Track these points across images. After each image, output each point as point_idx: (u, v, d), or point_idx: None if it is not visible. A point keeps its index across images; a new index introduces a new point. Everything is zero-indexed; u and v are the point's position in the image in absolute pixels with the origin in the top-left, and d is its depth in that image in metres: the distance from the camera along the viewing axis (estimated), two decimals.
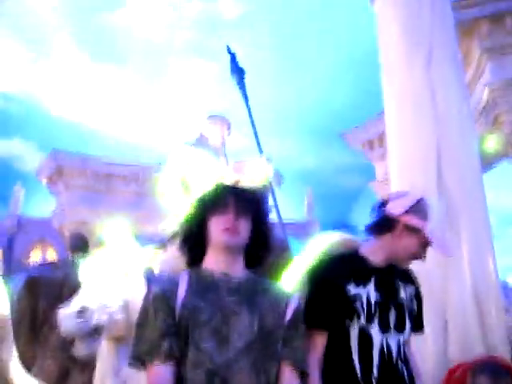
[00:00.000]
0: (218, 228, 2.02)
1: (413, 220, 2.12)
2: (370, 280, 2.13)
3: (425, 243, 2.12)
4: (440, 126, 4.28)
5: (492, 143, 9.49)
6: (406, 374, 2.13)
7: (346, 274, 2.13)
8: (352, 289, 2.10)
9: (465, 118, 4.43)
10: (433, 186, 4.00)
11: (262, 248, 2.13)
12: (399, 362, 2.11)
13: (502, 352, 3.48)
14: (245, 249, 2.08)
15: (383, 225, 2.19)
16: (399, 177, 4.40)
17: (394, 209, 2.18)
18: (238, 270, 2.05)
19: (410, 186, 4.18)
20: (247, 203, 2.08)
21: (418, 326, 2.27)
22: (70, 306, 3.13)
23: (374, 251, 2.21)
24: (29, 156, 26.83)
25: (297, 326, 1.98)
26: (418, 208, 2.14)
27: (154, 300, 1.93)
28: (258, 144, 7.56)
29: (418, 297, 2.27)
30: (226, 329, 1.88)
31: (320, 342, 2.11)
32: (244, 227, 2.04)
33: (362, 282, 2.12)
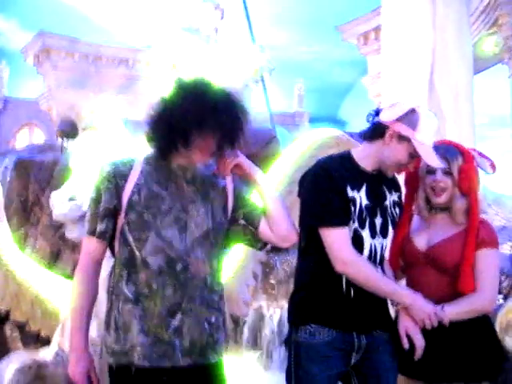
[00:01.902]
0: None
1: (401, 128, 2.14)
2: (362, 185, 2.18)
3: (412, 153, 2.15)
4: (437, 25, 4.19)
5: (489, 45, 9.31)
6: (380, 270, 2.25)
7: (345, 175, 2.17)
8: (350, 191, 2.15)
9: (463, 19, 4.32)
10: (424, 85, 3.99)
11: (230, 143, 2.05)
12: (379, 265, 2.22)
13: None
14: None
15: (374, 131, 2.21)
16: (392, 73, 4.36)
17: (386, 116, 2.19)
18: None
19: (402, 83, 4.17)
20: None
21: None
22: (62, 191, 3.17)
23: (365, 157, 2.24)
24: (12, 34, 25.73)
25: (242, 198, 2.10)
26: (409, 117, 2.14)
27: (102, 180, 1.97)
28: (251, 32, 7.36)
29: (399, 204, 2.33)
30: (185, 217, 1.95)
31: (343, 235, 2.13)
32: None
33: (356, 186, 2.17)
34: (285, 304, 4.22)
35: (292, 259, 4.58)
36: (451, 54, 4.12)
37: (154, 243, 1.90)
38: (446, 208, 2.40)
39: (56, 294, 3.80)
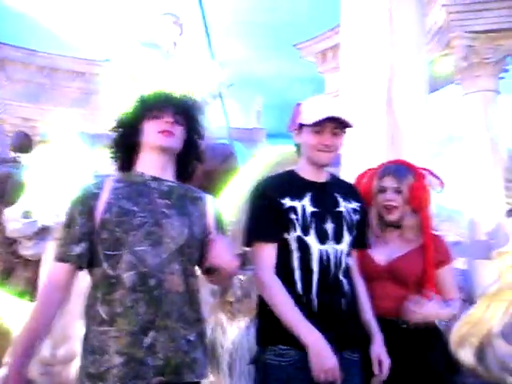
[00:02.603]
0: (153, 130, 2.02)
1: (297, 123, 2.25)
2: (305, 194, 2.22)
3: (315, 130, 2.20)
4: (394, 43, 4.28)
5: (443, 66, 9.57)
6: (346, 287, 2.23)
7: (282, 189, 2.21)
8: (288, 202, 2.17)
9: (419, 41, 4.44)
10: (382, 102, 4.08)
11: (194, 159, 2.16)
12: (339, 274, 2.20)
13: None
14: (176, 159, 2.10)
15: (296, 145, 2.34)
16: (350, 90, 4.43)
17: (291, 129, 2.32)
18: (169, 175, 2.07)
19: (360, 100, 4.24)
20: (184, 110, 2.08)
21: (360, 243, 2.36)
22: (15, 207, 3.08)
23: (302, 168, 2.31)
24: None
25: (218, 229, 2.10)
26: (294, 113, 2.28)
27: (75, 203, 1.96)
28: (210, 48, 7.36)
29: (362, 213, 2.33)
30: (159, 231, 1.93)
31: (268, 253, 2.17)
32: (179, 132, 2.05)
33: (297, 196, 2.21)
34: (242, 322, 4.19)
35: (250, 276, 4.56)
36: (408, 71, 4.22)
37: (127, 260, 1.87)
38: (399, 225, 2.49)
39: (7, 313, 3.67)
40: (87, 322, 1.93)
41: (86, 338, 1.92)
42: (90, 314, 1.92)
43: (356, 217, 2.29)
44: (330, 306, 2.14)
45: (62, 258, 1.94)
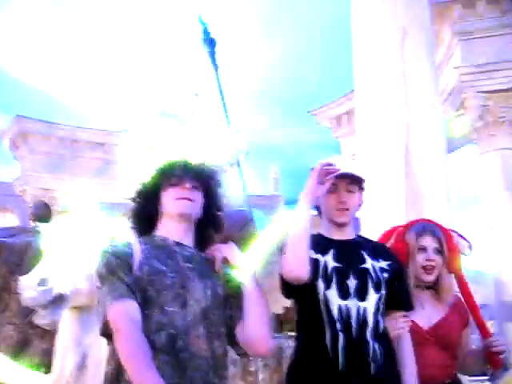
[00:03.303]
0: (172, 198, 2.03)
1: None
2: (329, 250, 2.21)
3: (329, 189, 2.19)
4: (410, 106, 4.31)
5: (458, 126, 9.62)
6: (376, 350, 2.12)
7: (311, 245, 2.18)
8: (312, 255, 2.15)
9: (434, 101, 4.47)
10: (400, 166, 4.05)
11: (212, 227, 2.16)
12: (367, 334, 2.11)
13: None
14: (196, 226, 2.09)
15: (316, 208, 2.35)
16: (367, 153, 4.44)
17: None
18: (189, 241, 2.07)
19: (378, 163, 4.23)
20: (202, 177, 2.10)
21: (399, 304, 2.27)
22: (31, 275, 3.07)
23: (324, 226, 2.30)
24: None
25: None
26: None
27: (114, 255, 1.90)
28: (227, 116, 7.48)
29: (395, 272, 2.26)
30: (185, 293, 1.90)
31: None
32: (198, 198, 2.06)
33: (320, 250, 2.21)
34: None
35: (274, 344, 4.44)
36: (425, 131, 4.21)
37: (157, 320, 1.82)
38: (431, 286, 2.44)
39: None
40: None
41: None
42: (117, 377, 1.82)
43: (385, 275, 2.23)
44: (356, 368, 2.07)
45: (123, 294, 1.82)
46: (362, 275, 2.19)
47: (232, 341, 2.01)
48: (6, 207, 21.24)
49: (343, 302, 2.13)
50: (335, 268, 2.17)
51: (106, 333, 1.86)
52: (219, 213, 2.16)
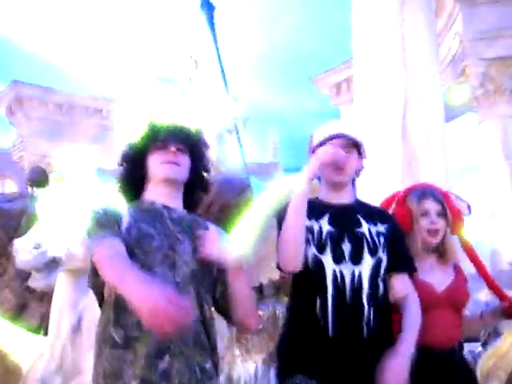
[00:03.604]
0: (158, 162, 2.02)
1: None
2: (324, 215, 2.20)
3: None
4: (408, 72, 4.28)
5: (458, 95, 9.55)
6: (371, 314, 2.10)
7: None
8: (306, 222, 2.16)
9: (433, 66, 4.43)
10: (397, 132, 4.04)
11: (199, 189, 2.16)
12: (363, 299, 2.10)
13: None
14: (184, 189, 2.09)
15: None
16: (365, 120, 4.42)
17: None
18: (177, 204, 2.07)
19: (375, 130, 4.22)
20: (188, 140, 2.09)
21: (397, 266, 2.23)
22: (26, 238, 3.09)
23: (322, 190, 2.29)
24: None
25: None
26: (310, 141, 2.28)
27: (103, 214, 1.91)
28: (225, 83, 7.42)
29: (393, 236, 2.25)
30: (174, 255, 1.92)
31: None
32: (184, 161, 2.06)
33: (314, 217, 2.19)
34: (259, 357, 4.10)
35: (267, 308, 4.49)
36: (422, 99, 4.19)
37: None
38: (435, 249, 2.45)
39: (18, 349, 3.64)
40: (99, 346, 1.88)
41: (97, 362, 1.87)
42: (103, 337, 1.87)
43: (382, 239, 2.22)
44: (348, 333, 2.06)
45: (107, 236, 1.83)
46: (357, 239, 2.17)
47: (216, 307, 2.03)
48: (5, 174, 21.25)
49: (338, 267, 2.13)
50: (330, 232, 2.17)
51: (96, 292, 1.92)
52: (207, 175, 2.15)
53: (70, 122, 15.53)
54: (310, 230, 2.15)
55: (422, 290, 2.30)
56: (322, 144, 2.22)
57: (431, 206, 2.46)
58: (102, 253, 1.81)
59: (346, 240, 2.17)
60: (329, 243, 2.15)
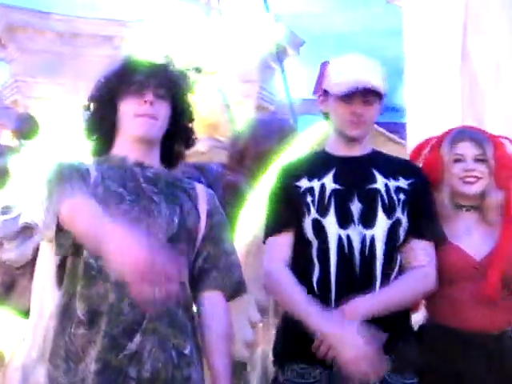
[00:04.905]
0: (131, 114, 2.09)
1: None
2: (328, 171, 2.26)
3: (343, 98, 2.26)
4: None
5: None
6: (380, 280, 2.19)
7: (300, 171, 2.28)
8: (304, 184, 2.21)
9: None
10: (456, 53, 3.98)
11: (182, 141, 2.25)
12: (375, 269, 2.17)
13: None
14: (161, 140, 2.18)
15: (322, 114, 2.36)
16: (418, 50, 4.38)
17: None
18: (153, 161, 2.15)
19: (434, 52, 4.16)
20: (168, 83, 2.15)
21: (419, 230, 2.27)
22: None
23: (331, 141, 2.32)
24: None
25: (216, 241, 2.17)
26: (319, 76, 2.36)
27: (68, 168, 2.02)
28: None
29: (416, 193, 2.28)
30: (146, 219, 2.01)
31: (278, 244, 2.27)
32: (162, 111, 2.12)
33: (318, 174, 2.26)
34: None
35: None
36: (488, 13, 4.07)
37: None
38: (472, 207, 2.41)
39: (2, 335, 3.82)
40: (60, 324, 2.01)
41: (57, 342, 1.99)
42: (64, 314, 1.99)
43: (402, 197, 2.24)
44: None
45: (77, 193, 1.92)
46: (370, 197, 2.21)
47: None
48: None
49: (344, 232, 2.17)
50: (334, 191, 2.21)
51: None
52: (190, 125, 2.21)
53: (74, 55, 15.58)
54: (310, 191, 2.21)
55: (455, 258, 2.33)
56: (340, 97, 2.26)
57: (467, 149, 2.43)
58: (74, 202, 1.89)
59: (356, 199, 2.21)
60: (333, 203, 2.20)
